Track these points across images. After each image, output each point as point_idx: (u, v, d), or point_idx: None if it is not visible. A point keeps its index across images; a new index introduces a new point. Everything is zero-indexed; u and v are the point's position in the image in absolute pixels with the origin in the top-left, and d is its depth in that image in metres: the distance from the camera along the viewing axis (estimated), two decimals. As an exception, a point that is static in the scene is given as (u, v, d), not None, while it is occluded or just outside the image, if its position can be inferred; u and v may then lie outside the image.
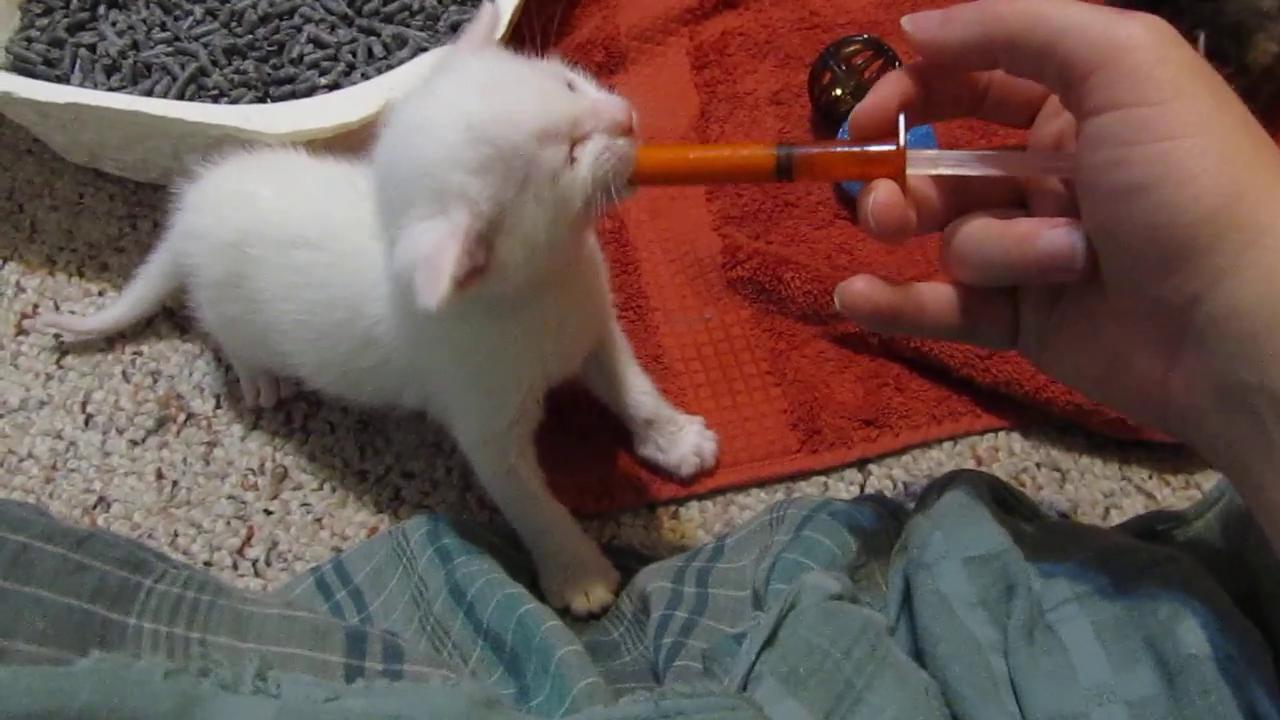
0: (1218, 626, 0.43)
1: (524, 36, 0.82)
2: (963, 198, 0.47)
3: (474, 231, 0.49)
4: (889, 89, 0.46)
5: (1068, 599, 0.46)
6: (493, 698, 0.41)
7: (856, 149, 0.46)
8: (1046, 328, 0.46)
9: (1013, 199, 0.47)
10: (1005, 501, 0.56)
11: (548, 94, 0.51)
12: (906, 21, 0.45)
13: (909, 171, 0.45)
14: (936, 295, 0.47)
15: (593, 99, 0.51)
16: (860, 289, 0.47)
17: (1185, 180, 0.36)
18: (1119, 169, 0.38)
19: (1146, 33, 0.38)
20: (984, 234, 0.45)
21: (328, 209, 0.64)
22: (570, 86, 0.52)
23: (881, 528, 0.56)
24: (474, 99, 0.50)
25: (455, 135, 0.49)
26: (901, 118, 0.45)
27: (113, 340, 0.82)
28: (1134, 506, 0.75)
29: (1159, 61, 0.37)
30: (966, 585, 0.45)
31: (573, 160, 0.50)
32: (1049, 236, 0.42)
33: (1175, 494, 0.75)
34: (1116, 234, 0.39)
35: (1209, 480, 0.75)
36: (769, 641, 0.45)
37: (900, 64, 0.87)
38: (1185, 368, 0.39)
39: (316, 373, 0.68)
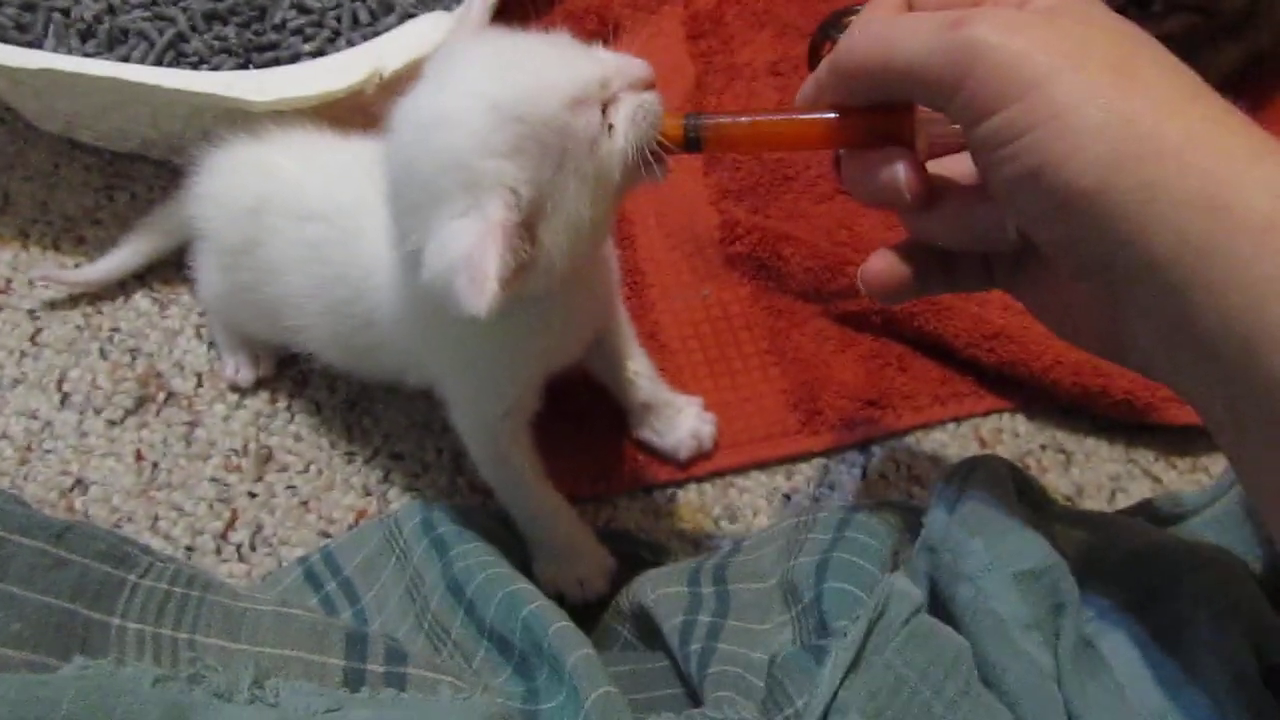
0: (1261, 639, 0.41)
1: (512, 7, 0.79)
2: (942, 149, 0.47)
3: (513, 223, 0.45)
4: None
5: (1104, 609, 0.44)
6: (507, 714, 0.39)
7: (786, 116, 0.46)
8: (1014, 271, 0.47)
9: None
10: (1021, 490, 0.54)
11: (569, 59, 0.48)
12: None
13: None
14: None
15: (612, 58, 0.49)
16: (880, 267, 0.47)
17: (1062, 161, 0.36)
18: (1003, 166, 0.38)
19: (989, 32, 0.38)
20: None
21: (343, 186, 0.62)
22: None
23: (908, 532, 0.54)
24: (492, 79, 0.47)
25: (480, 119, 0.46)
26: None
27: (89, 316, 0.79)
28: (1140, 489, 0.73)
29: (1007, 63, 0.37)
30: (1021, 606, 0.43)
31: (609, 126, 0.47)
32: (978, 213, 0.44)
33: (1182, 477, 0.74)
34: (1024, 218, 0.40)
35: (1216, 463, 0.74)
36: (853, 664, 0.42)
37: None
38: (1125, 317, 0.40)
39: (325, 346, 0.67)
